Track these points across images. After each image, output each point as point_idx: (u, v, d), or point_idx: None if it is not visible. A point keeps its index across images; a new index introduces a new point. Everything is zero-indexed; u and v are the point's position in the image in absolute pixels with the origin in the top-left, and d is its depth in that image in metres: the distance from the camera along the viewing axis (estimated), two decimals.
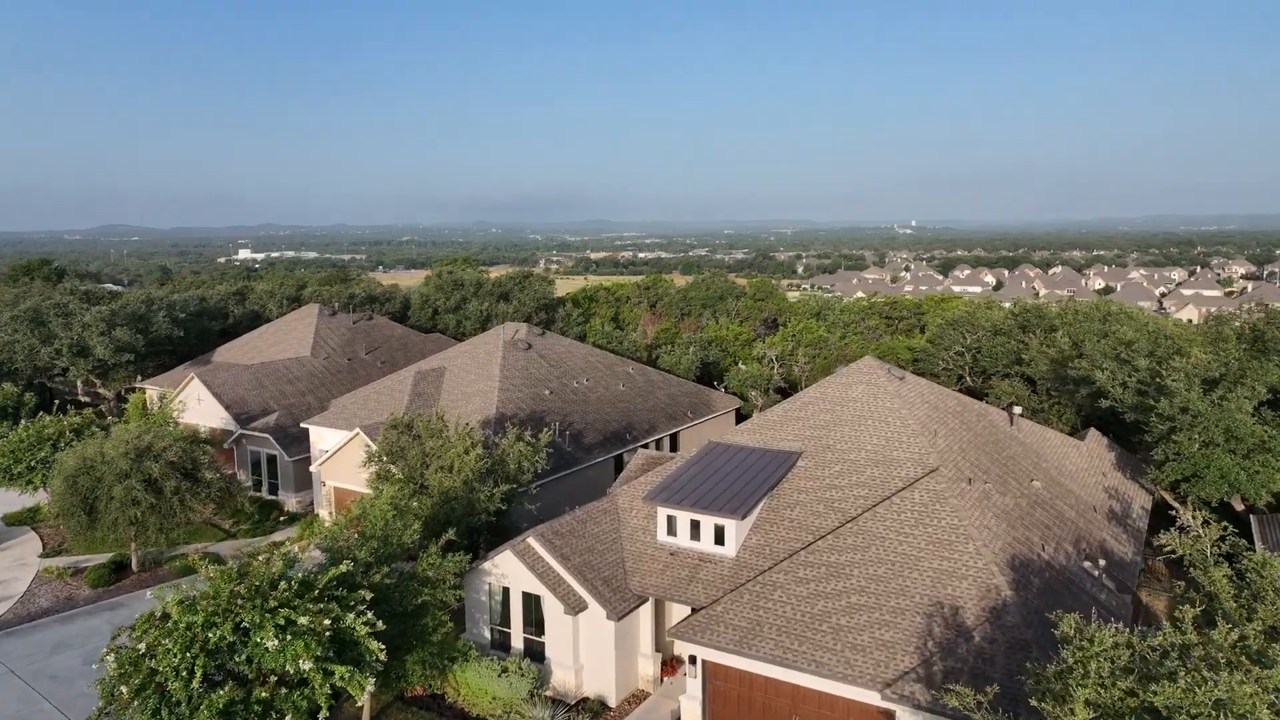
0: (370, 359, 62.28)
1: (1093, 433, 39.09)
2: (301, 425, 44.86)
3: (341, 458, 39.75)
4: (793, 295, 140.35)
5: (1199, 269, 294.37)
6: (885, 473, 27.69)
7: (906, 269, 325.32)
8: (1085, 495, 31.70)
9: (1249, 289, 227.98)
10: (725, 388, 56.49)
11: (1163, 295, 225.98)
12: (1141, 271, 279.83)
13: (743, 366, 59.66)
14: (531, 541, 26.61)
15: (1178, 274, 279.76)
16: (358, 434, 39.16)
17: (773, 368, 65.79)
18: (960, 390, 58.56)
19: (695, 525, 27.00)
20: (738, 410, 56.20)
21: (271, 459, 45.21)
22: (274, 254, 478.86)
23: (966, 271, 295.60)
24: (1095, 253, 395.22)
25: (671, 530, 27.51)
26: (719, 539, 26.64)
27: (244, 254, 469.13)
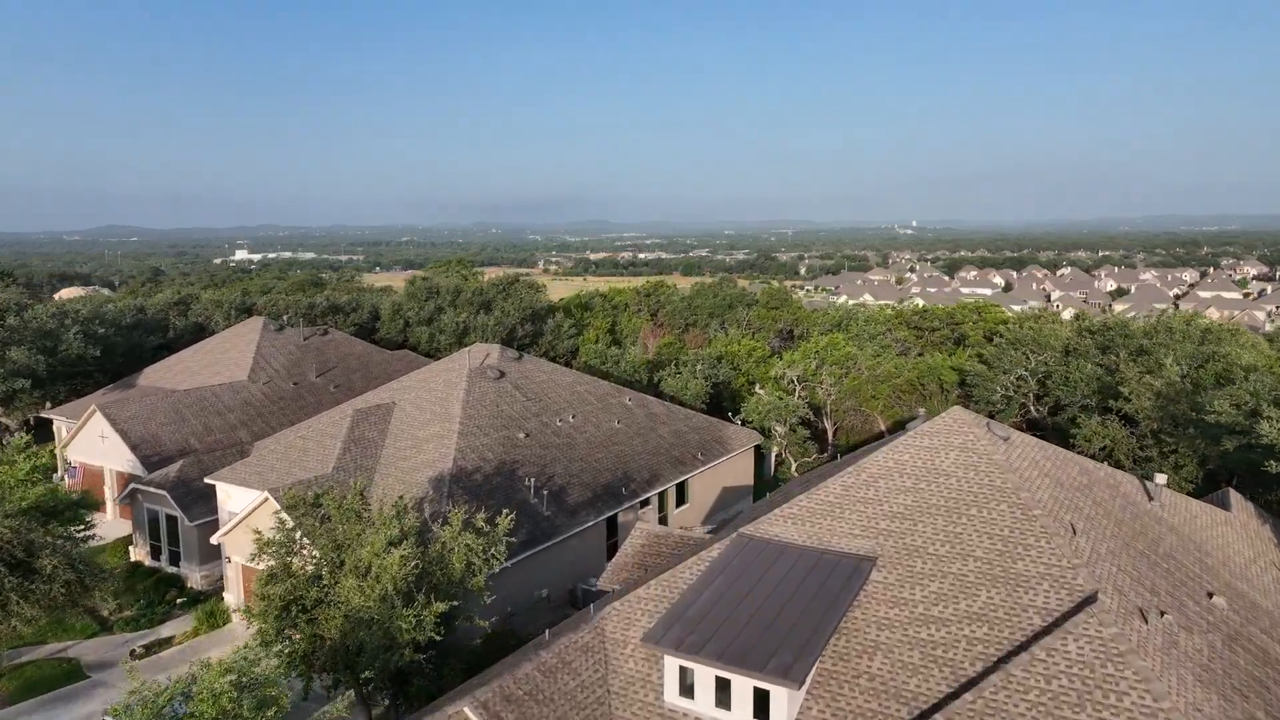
0: (322, 383, 52.89)
1: (1234, 497, 29.65)
2: (206, 480, 35.22)
3: (250, 526, 30.30)
4: (802, 296, 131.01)
5: (1211, 270, 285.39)
6: (1010, 598, 18.26)
7: (911, 269, 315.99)
8: (1271, 606, 22.30)
9: (1268, 290, 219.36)
10: (742, 420, 47.09)
11: (1177, 297, 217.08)
12: (1153, 272, 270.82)
13: (761, 392, 50.24)
14: (470, 715, 17.18)
15: (1189, 275, 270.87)
16: (266, 499, 29.76)
17: (794, 390, 56.42)
18: (1022, 425, 49.22)
19: (723, 685, 17.59)
20: (757, 448, 46.83)
21: (173, 520, 35.73)
22: (271, 254, 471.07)
23: (973, 273, 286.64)
24: (1101, 253, 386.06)
25: (686, 688, 18.09)
26: (760, 710, 17.22)
27: (240, 254, 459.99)
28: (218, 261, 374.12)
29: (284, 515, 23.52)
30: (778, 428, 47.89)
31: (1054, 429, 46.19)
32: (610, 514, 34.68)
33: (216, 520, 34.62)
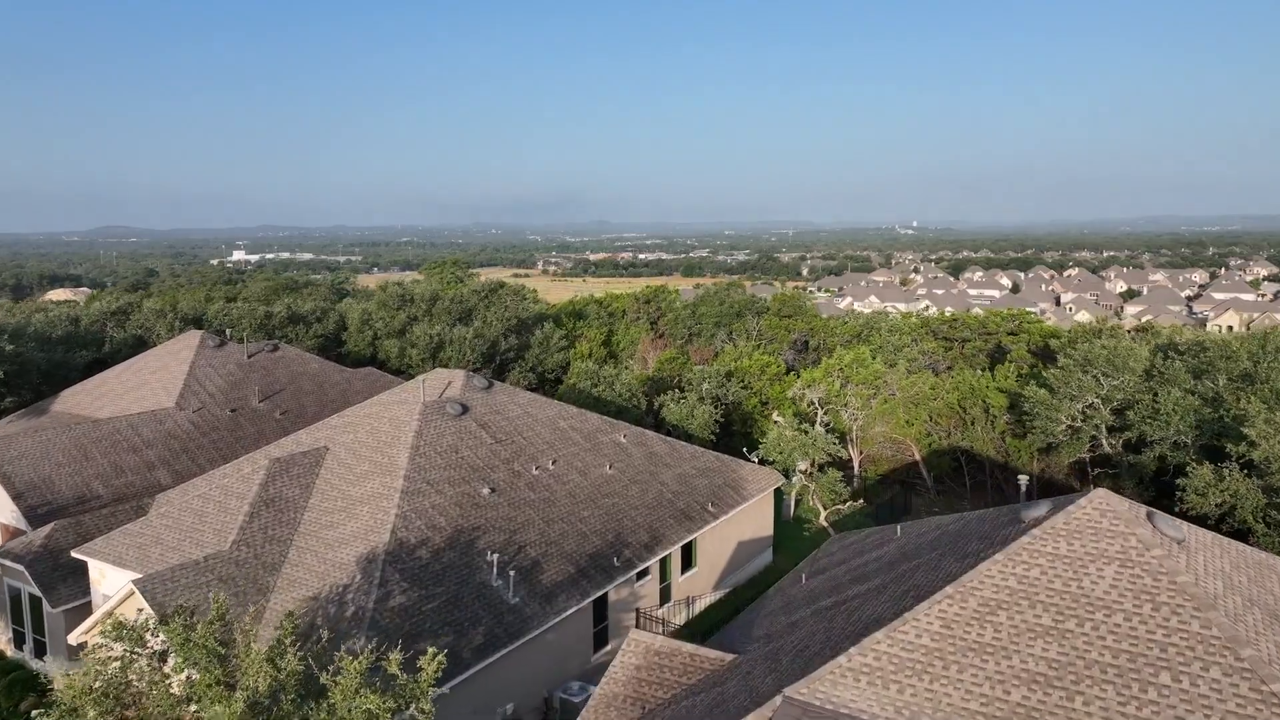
0: (266, 408, 45.23)
1: None
2: (73, 554, 27.39)
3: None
4: (806, 298, 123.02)
5: (1222, 270, 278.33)
6: None
7: (915, 270, 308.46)
8: None
9: None
10: (759, 457, 39.42)
11: (1190, 299, 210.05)
12: (1162, 273, 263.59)
13: (780, 420, 42.54)
14: None
15: (1198, 276, 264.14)
16: (132, 592, 22.11)
17: (815, 414, 48.85)
18: (1087, 462, 41.62)
19: None
20: (778, 489, 39.18)
21: (37, 601, 27.99)
22: (268, 255, 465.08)
23: (979, 274, 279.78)
24: (1106, 254, 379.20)
25: None
26: None
27: (238, 255, 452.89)
28: (214, 263, 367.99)
29: (92, 659, 15.91)
30: (801, 463, 40.20)
31: (1131, 469, 38.61)
32: (599, 593, 27.02)
33: (90, 604, 26.95)
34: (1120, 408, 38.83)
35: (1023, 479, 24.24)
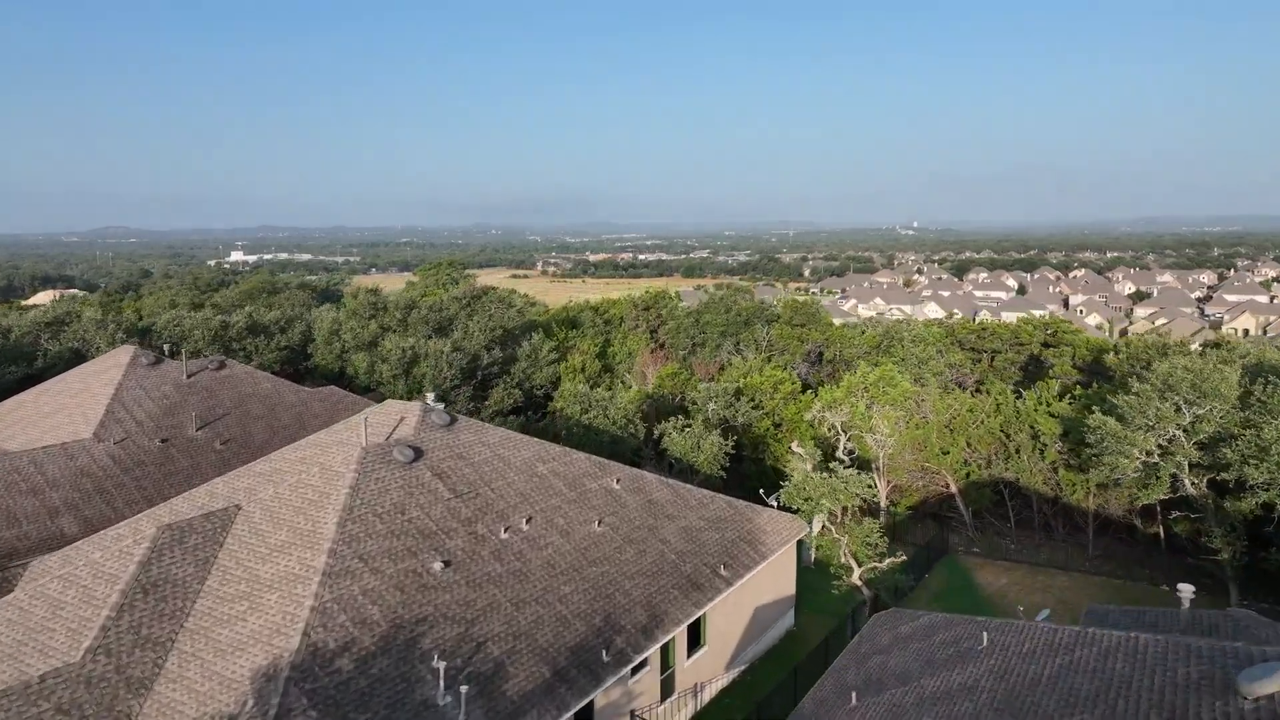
0: (204, 438, 38.94)
1: None
2: None
3: None
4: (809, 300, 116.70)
5: (1231, 272, 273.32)
6: None
7: (919, 271, 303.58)
8: None
9: None
10: (778, 501, 33.10)
11: (1200, 300, 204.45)
12: (1170, 275, 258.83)
13: (799, 450, 36.14)
14: None
15: (1206, 277, 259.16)
16: None
17: (837, 441, 42.75)
18: (1157, 505, 35.39)
19: None
20: (800, 541, 32.91)
21: None
22: (266, 256, 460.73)
23: (984, 275, 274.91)
24: (1110, 255, 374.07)
25: None
26: None
27: (235, 256, 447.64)
28: (211, 264, 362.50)
29: None
30: (834, 518, 33.61)
31: (1220, 515, 32.42)
32: (582, 703, 20.78)
33: None
34: (1208, 442, 32.62)
35: (1185, 590, 17.81)
